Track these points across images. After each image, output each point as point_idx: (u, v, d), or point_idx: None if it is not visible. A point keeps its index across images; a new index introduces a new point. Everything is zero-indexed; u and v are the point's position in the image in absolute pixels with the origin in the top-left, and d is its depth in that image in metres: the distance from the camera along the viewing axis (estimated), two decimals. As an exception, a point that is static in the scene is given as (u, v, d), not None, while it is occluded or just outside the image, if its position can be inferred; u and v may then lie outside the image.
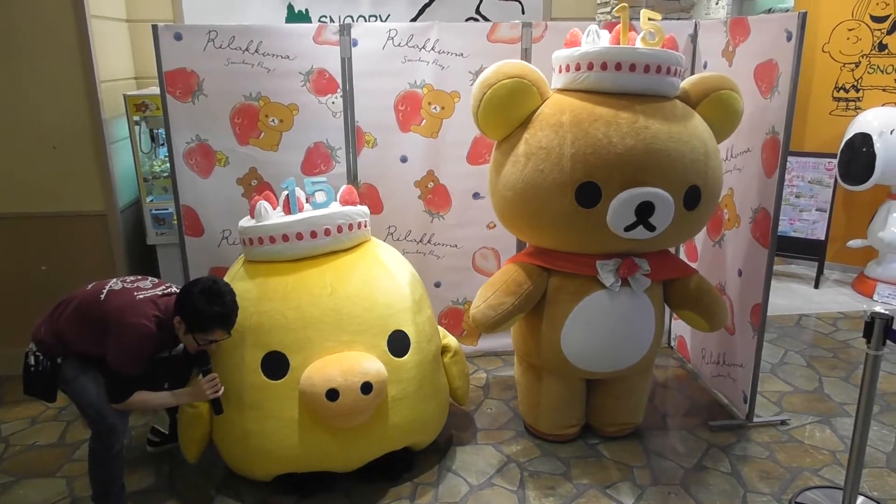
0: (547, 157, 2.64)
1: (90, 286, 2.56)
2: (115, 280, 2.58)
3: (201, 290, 2.39)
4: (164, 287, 2.59)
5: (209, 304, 2.37)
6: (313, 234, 2.71)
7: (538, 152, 2.66)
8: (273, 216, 2.75)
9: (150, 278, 2.65)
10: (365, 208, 2.93)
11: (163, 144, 3.95)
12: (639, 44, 2.68)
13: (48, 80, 3.51)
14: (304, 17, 4.61)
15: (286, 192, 2.78)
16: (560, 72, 2.80)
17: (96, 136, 3.61)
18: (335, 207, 2.81)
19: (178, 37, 3.21)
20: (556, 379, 3.02)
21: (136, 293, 2.48)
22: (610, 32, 2.78)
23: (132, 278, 2.62)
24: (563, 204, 2.64)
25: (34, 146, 3.57)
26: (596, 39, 2.74)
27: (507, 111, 2.73)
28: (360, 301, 2.67)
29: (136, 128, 3.87)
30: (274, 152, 3.44)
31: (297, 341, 2.57)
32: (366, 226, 2.93)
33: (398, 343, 2.71)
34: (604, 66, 2.63)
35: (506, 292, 2.82)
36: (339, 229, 2.76)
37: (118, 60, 4.14)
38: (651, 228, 2.63)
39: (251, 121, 3.38)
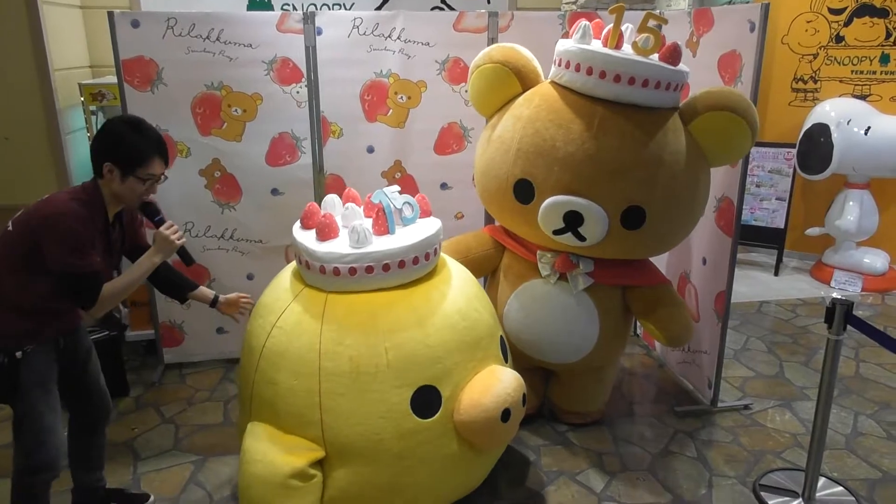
0: (500, 146, 2.70)
1: None
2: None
3: (125, 123, 2.20)
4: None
5: (139, 133, 2.18)
6: (427, 257, 2.35)
7: (496, 140, 2.73)
8: (374, 240, 2.32)
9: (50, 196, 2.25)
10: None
11: (121, 135, 3.83)
12: (628, 49, 2.54)
13: (-2, 68, 3.38)
14: (266, 5, 4.52)
15: (379, 207, 2.39)
16: (553, 63, 2.75)
17: (50, 126, 3.50)
18: (427, 223, 2.48)
19: (135, 24, 3.12)
20: None
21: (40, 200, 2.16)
22: (572, 25, 2.73)
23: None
24: (506, 195, 2.71)
25: (-16, 137, 3.45)
26: (583, 37, 2.59)
27: (487, 94, 2.82)
28: (478, 315, 2.44)
29: (93, 118, 3.75)
30: (237, 143, 3.37)
31: (444, 370, 2.26)
32: None
33: (503, 349, 2.57)
34: (577, 68, 2.58)
35: (453, 250, 2.99)
36: (440, 247, 2.49)
37: (72, 48, 4.00)
38: (581, 238, 2.57)
39: (213, 111, 3.31)
